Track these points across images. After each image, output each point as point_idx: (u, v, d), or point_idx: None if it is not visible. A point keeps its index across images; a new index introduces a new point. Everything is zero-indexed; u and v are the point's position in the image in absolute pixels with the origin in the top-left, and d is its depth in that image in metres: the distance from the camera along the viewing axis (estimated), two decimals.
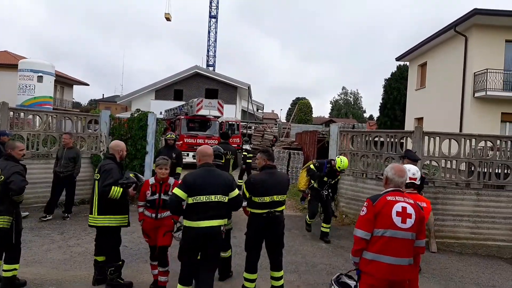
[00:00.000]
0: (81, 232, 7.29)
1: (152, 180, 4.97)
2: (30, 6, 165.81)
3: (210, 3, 43.90)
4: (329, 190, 7.77)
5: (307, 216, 7.95)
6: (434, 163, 8.38)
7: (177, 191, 4.01)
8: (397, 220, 3.24)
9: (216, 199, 4.08)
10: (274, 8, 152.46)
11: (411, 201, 3.38)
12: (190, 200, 4.00)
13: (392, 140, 8.57)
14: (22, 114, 9.24)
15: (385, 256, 3.22)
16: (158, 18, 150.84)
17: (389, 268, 3.20)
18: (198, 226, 3.99)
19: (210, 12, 44.11)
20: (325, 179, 7.71)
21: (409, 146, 8.45)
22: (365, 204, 3.38)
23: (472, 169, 8.18)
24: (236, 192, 4.34)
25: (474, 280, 6.20)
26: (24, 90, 24.78)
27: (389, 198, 3.34)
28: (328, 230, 7.72)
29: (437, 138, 8.10)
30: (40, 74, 25.08)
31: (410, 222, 3.26)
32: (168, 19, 43.95)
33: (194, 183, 4.03)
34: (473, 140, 8.10)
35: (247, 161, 13.49)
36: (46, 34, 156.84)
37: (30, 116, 9.62)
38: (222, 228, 4.14)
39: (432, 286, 5.84)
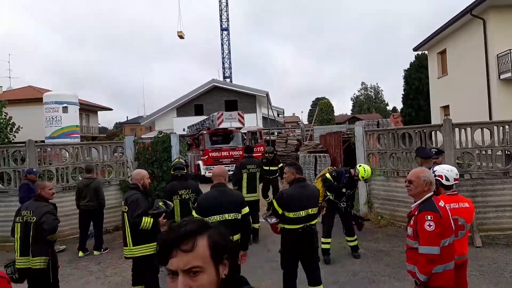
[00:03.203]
0: (118, 260, 7.32)
1: None
2: (46, 38, 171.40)
3: (221, 16, 44.32)
4: (348, 202, 6.86)
5: (322, 239, 6.63)
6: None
7: (194, 214, 4.31)
8: (452, 225, 3.32)
9: (230, 218, 4.35)
10: (284, 12, 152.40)
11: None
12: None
13: (421, 134, 8.29)
14: (49, 149, 9.45)
15: (451, 262, 3.26)
16: (172, 37, 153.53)
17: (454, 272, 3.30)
18: None
19: (221, 25, 44.50)
20: (344, 190, 6.75)
21: (440, 138, 8.15)
22: (430, 218, 3.16)
23: (509, 155, 7.81)
24: (247, 209, 4.59)
25: None
26: (51, 122, 25.51)
27: (441, 204, 3.31)
28: (355, 243, 6.84)
29: (468, 129, 7.78)
30: (65, 105, 25.76)
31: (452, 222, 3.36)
32: (181, 37, 44.52)
33: (206, 204, 4.37)
34: (507, 126, 7.73)
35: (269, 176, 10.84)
36: (65, 64, 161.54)
37: (58, 150, 9.84)
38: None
39: (482, 284, 5.53)
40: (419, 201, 3.33)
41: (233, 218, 4.38)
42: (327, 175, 6.84)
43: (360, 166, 6.82)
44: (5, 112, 12.86)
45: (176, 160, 7.02)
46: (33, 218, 4.55)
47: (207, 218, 4.11)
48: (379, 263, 6.49)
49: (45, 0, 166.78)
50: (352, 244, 6.87)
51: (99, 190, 7.79)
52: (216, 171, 4.71)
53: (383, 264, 6.45)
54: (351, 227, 6.87)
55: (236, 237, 4.45)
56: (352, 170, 6.84)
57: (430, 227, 3.14)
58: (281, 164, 11.81)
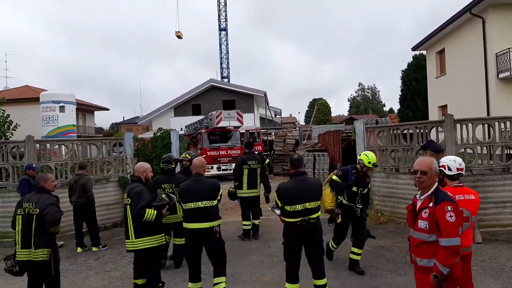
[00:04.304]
0: (117, 256, 7.28)
1: None
2: (43, 38, 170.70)
3: (219, 16, 44.32)
4: (363, 205, 6.07)
5: (331, 241, 6.37)
6: (468, 150, 8.06)
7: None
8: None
9: (203, 205, 4.71)
10: (283, 12, 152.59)
11: None
12: (184, 206, 4.80)
13: (421, 131, 8.29)
14: (48, 145, 9.40)
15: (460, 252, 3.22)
16: (170, 37, 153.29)
17: None
18: (191, 228, 4.70)
19: (219, 25, 44.50)
20: (355, 188, 5.99)
21: (441, 135, 8.15)
22: (450, 208, 3.10)
23: (510, 152, 7.81)
24: (221, 192, 5.00)
25: None
26: (47, 121, 25.34)
27: (450, 195, 3.27)
28: (359, 257, 6.03)
29: (470, 125, 7.78)
30: (61, 104, 25.58)
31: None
32: (179, 37, 44.49)
33: (182, 193, 4.84)
34: (508, 122, 7.75)
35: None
36: (62, 64, 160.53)
37: (56, 146, 9.78)
38: (215, 228, 4.74)
39: (483, 279, 5.54)
40: (429, 192, 3.25)
41: (206, 205, 4.73)
42: (334, 177, 6.10)
43: (362, 154, 6.15)
44: (2, 110, 12.78)
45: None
46: (36, 210, 4.48)
47: (184, 205, 4.77)
48: (380, 259, 6.48)
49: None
50: (356, 257, 6.03)
51: (86, 187, 7.75)
52: (195, 162, 5.09)
53: (384, 259, 6.43)
54: (362, 236, 6.04)
55: (213, 223, 4.74)
56: (358, 166, 6.08)
57: (451, 218, 3.07)
58: (267, 160, 11.43)
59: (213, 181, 5.03)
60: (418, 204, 3.34)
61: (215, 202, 4.83)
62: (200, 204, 4.70)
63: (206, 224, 4.69)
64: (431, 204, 3.19)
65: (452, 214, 3.08)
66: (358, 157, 6.20)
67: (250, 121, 31.31)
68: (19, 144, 9.01)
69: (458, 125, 7.81)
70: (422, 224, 3.24)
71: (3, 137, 11.97)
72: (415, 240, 3.32)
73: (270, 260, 6.55)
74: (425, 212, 3.22)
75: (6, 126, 12.97)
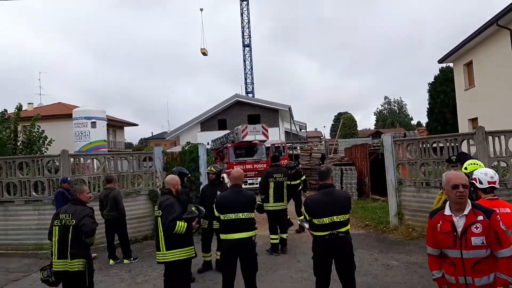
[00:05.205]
0: (148, 268, 7.40)
1: None
2: (74, 56, 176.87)
3: (242, 33, 44.95)
4: None
5: None
6: (502, 163, 7.82)
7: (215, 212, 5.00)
8: None
9: (244, 216, 4.86)
10: (308, 28, 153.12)
11: None
12: (222, 217, 4.89)
13: (452, 144, 8.12)
14: (82, 159, 9.73)
15: None
16: (195, 54, 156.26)
17: None
18: (232, 238, 4.81)
19: (243, 42, 45.12)
20: None
21: (472, 149, 7.95)
22: (499, 218, 3.07)
23: None
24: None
25: None
26: (80, 136, 26.23)
27: None
28: None
29: (502, 137, 7.57)
30: (93, 120, 26.47)
31: None
32: (204, 53, 45.34)
33: (222, 203, 4.95)
34: None
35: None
36: (93, 82, 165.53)
37: (89, 161, 10.11)
38: (253, 238, 4.93)
39: None
40: (470, 206, 3.11)
41: (247, 217, 4.90)
42: None
43: (466, 168, 4.79)
44: (38, 125, 13.28)
45: None
46: (72, 221, 4.63)
47: (223, 216, 4.87)
48: (412, 275, 6.31)
49: (74, 20, 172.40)
50: None
51: (117, 200, 7.94)
52: (234, 174, 5.22)
53: (417, 276, 6.26)
54: None
55: (251, 233, 4.91)
56: (471, 179, 4.45)
57: (504, 227, 3.00)
58: (304, 177, 11.02)
59: (251, 193, 5.18)
60: (460, 221, 3.08)
61: (253, 214, 5.03)
62: (241, 215, 4.86)
63: (246, 234, 4.85)
64: (480, 218, 3.01)
65: (502, 223, 3.02)
66: (464, 170, 4.81)
67: (275, 135, 31.37)
68: (54, 158, 9.39)
69: (490, 138, 7.60)
70: (477, 240, 2.99)
71: (39, 152, 12.40)
72: (470, 260, 3.02)
73: (299, 275, 6.50)
74: (476, 227, 3.00)
75: (41, 141, 13.44)
